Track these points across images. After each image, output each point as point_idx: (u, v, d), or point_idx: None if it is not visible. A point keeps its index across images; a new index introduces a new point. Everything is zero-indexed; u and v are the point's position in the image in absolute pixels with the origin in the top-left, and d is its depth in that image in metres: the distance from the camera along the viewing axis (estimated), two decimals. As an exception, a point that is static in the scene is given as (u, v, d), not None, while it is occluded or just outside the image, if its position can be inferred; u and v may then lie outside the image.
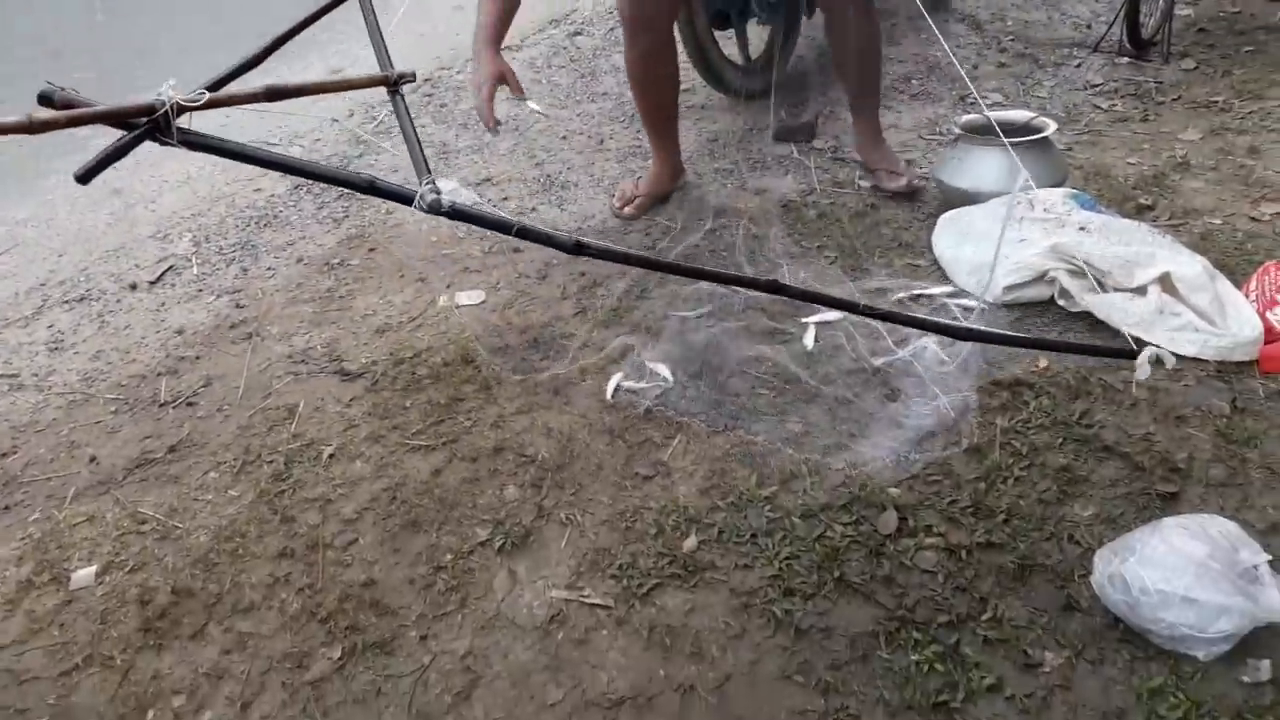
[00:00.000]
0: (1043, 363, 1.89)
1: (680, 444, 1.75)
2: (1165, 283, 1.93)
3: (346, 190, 2.83)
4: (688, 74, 3.29)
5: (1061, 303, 2.01)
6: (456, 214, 0.99)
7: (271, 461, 1.80)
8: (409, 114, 1.18)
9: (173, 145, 0.93)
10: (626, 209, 2.59)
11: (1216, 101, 3.01)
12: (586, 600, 1.46)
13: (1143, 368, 1.30)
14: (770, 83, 3.27)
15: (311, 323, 2.22)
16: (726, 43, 3.16)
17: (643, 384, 1.88)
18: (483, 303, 2.25)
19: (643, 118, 2.61)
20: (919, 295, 2.11)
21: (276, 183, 2.92)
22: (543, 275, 2.34)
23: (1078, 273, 2.00)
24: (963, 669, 1.34)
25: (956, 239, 2.21)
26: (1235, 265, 2.12)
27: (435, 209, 0.97)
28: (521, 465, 1.72)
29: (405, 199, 0.99)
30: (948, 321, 1.39)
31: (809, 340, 1.99)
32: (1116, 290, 1.97)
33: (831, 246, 2.35)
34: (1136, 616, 1.35)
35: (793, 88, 3.26)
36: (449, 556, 1.56)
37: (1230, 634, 1.30)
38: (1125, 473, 1.63)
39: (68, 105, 0.86)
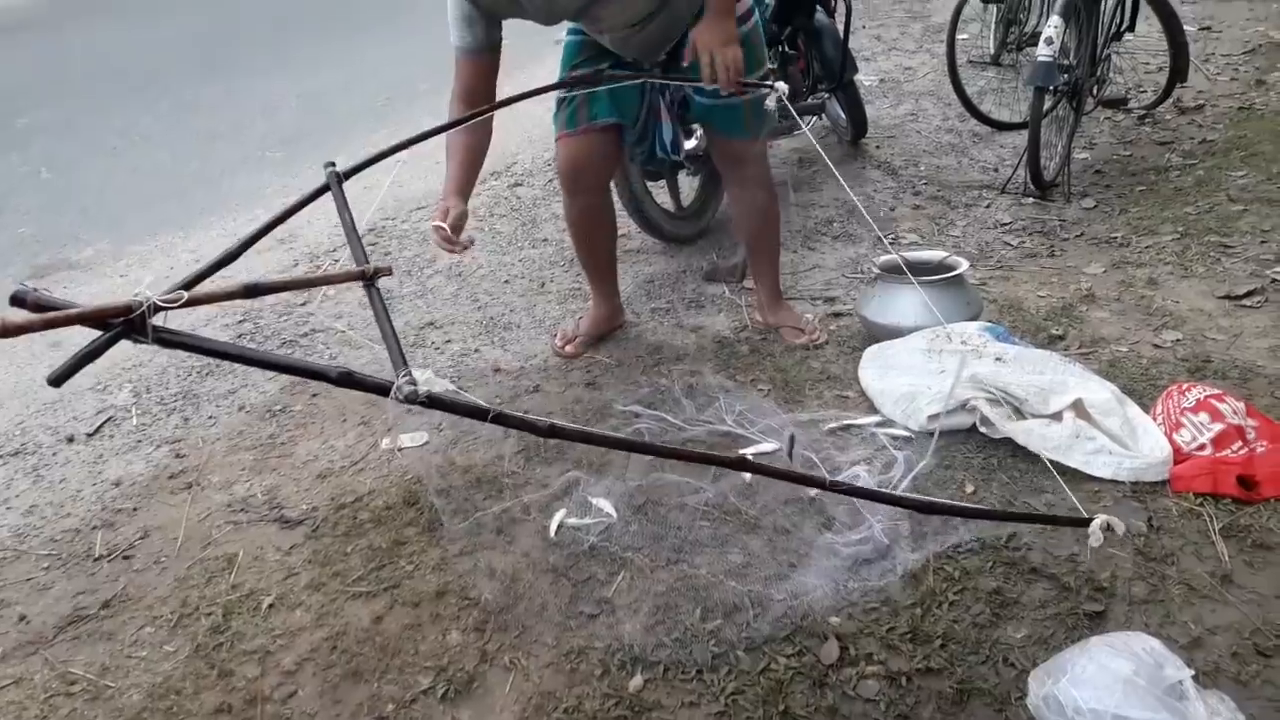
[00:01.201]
0: (969, 488, 1.97)
1: (624, 580, 1.77)
2: (1079, 408, 2.06)
3: (290, 338, 2.89)
4: (624, 220, 3.47)
5: (983, 430, 2.11)
6: (433, 403, 1.02)
7: (209, 614, 1.77)
8: (385, 308, 1.21)
9: (147, 344, 0.96)
10: (568, 348, 2.68)
11: (1116, 237, 3.25)
12: (532, 747, 1.45)
13: (1095, 535, 1.39)
14: (701, 228, 3.46)
15: (252, 470, 2.23)
16: (659, 192, 3.34)
17: (586, 520, 1.91)
18: (425, 444, 2.28)
19: (583, 265, 2.73)
20: (849, 425, 2.20)
21: (218, 332, 2.95)
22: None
23: (996, 401, 2.12)
24: (909, 799, 1.35)
25: (880, 371, 2.33)
26: (1142, 390, 2.26)
27: (412, 399, 1.01)
28: (464, 608, 1.72)
29: (382, 390, 1.02)
30: (915, 497, 1.51)
31: (746, 474, 2.05)
32: (1034, 417, 2.08)
33: (764, 380, 2.45)
34: (1072, 737, 1.38)
35: (723, 231, 3.44)
36: (391, 707, 1.54)
37: (1161, 753, 1.34)
38: (1053, 593, 1.69)
39: (40, 306, 0.90)
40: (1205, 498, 1.87)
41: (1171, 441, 1.99)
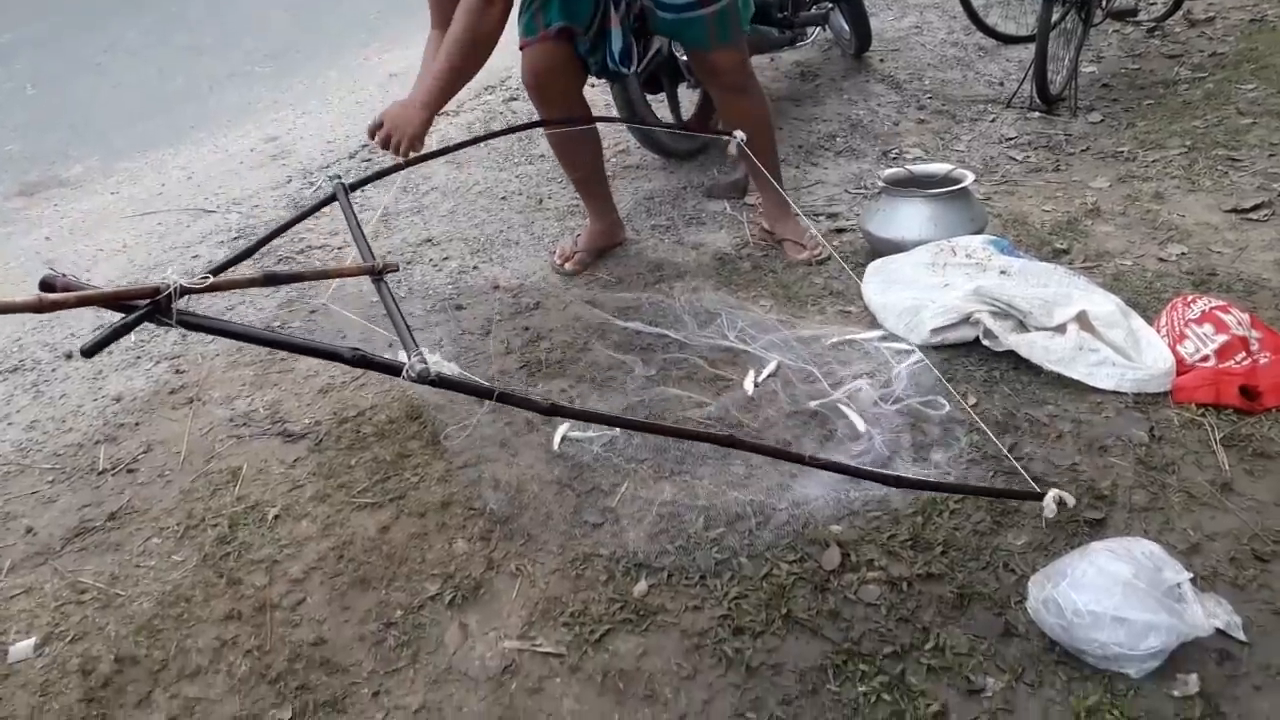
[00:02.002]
0: (971, 400, 1.97)
1: (628, 490, 1.78)
2: (1083, 321, 2.04)
3: (285, 255, 2.85)
4: (624, 136, 3.40)
5: (986, 343, 2.10)
6: (441, 382, 1.11)
7: (215, 525, 1.78)
8: (394, 300, 1.29)
9: (171, 326, 1.04)
10: (567, 265, 2.65)
11: (1122, 152, 3.19)
12: (539, 649, 1.47)
13: (1049, 507, 1.43)
14: (702, 143, 3.39)
15: (253, 385, 2.22)
16: (659, 106, 3.27)
17: (589, 433, 1.91)
18: (427, 360, 2.27)
19: (571, 181, 2.68)
20: (851, 340, 2.19)
21: (214, 249, 2.91)
22: (485, 331, 2.37)
23: (1000, 314, 2.10)
24: (909, 698, 1.37)
25: (884, 285, 2.31)
26: (1146, 303, 2.24)
27: (423, 378, 1.08)
28: (470, 518, 1.73)
29: (394, 370, 1.10)
30: (882, 473, 1.59)
31: (749, 386, 2.04)
32: (1038, 329, 2.07)
33: (766, 295, 2.42)
34: (1071, 638, 1.40)
35: (724, 146, 3.37)
36: (399, 612, 1.55)
37: (1159, 650, 1.36)
38: (1055, 503, 1.69)
39: (68, 289, 0.98)
40: (1207, 408, 1.87)
41: (1175, 353, 1.98)
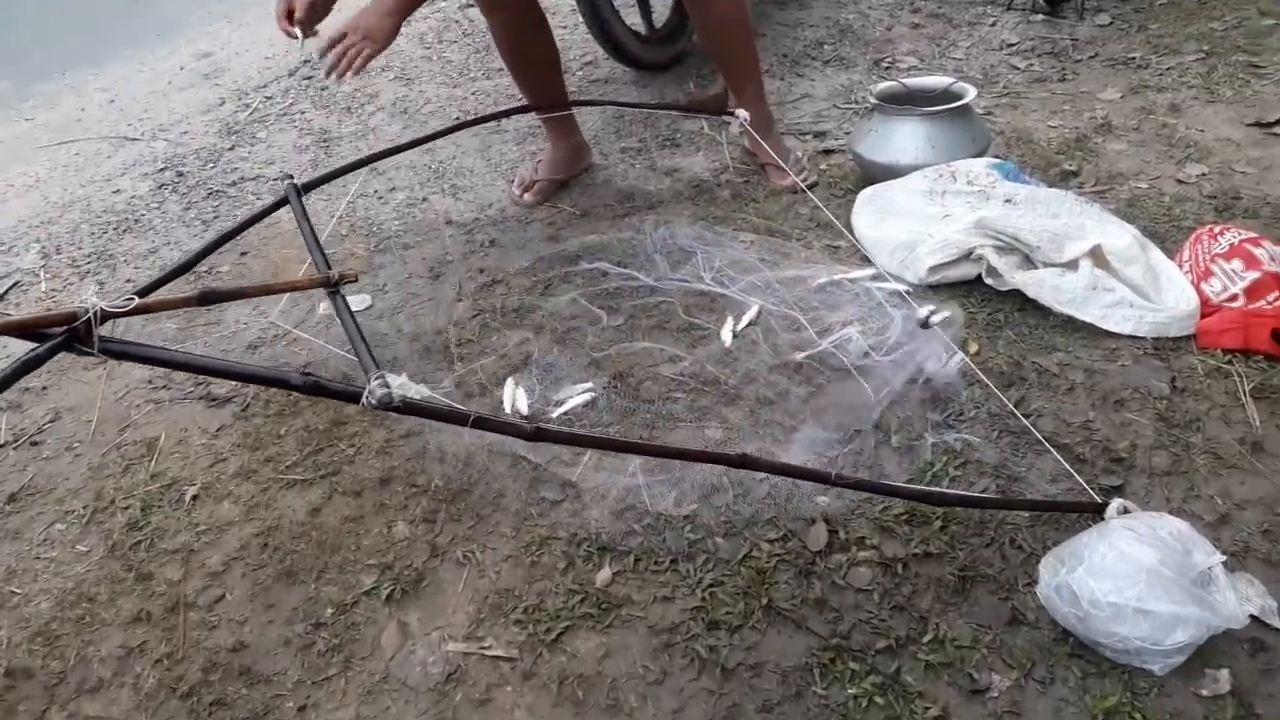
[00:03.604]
0: (973, 348, 1.80)
1: (591, 461, 1.61)
2: (1096, 256, 1.85)
3: (217, 188, 2.61)
4: (591, 46, 3.13)
5: (990, 281, 1.92)
6: (408, 409, 1.03)
7: (127, 508, 1.60)
8: (351, 314, 1.23)
9: (92, 355, 0.94)
10: (526, 195, 2.42)
11: (1134, 58, 2.96)
12: (488, 652, 1.32)
13: (1112, 518, 1.33)
14: (676, 53, 3.13)
15: (175, 340, 2.01)
16: (628, 12, 2.99)
17: (560, 407, 1.71)
18: (368, 308, 2.07)
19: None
20: (840, 280, 1.99)
21: (137, 182, 2.66)
22: (435, 274, 2.16)
23: (1005, 248, 1.91)
24: (904, 700, 1.23)
25: (876, 217, 2.11)
26: (1165, 232, 2.06)
27: (385, 404, 1.00)
28: (412, 497, 1.56)
29: (353, 398, 1.02)
30: (916, 488, 1.43)
31: (727, 336, 1.86)
32: (1046, 266, 1.88)
33: (747, 228, 2.22)
34: (1087, 629, 1.26)
35: (702, 57, 3.11)
36: (330, 611, 1.39)
37: (1186, 644, 1.22)
38: (1065, 468, 1.53)
39: None
40: (1235, 355, 1.70)
41: (1199, 291, 1.80)
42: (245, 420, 1.76)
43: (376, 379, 1.06)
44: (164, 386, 1.88)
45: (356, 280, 1.32)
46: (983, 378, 1.63)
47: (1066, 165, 2.37)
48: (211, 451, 1.70)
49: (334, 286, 1.29)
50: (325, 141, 2.80)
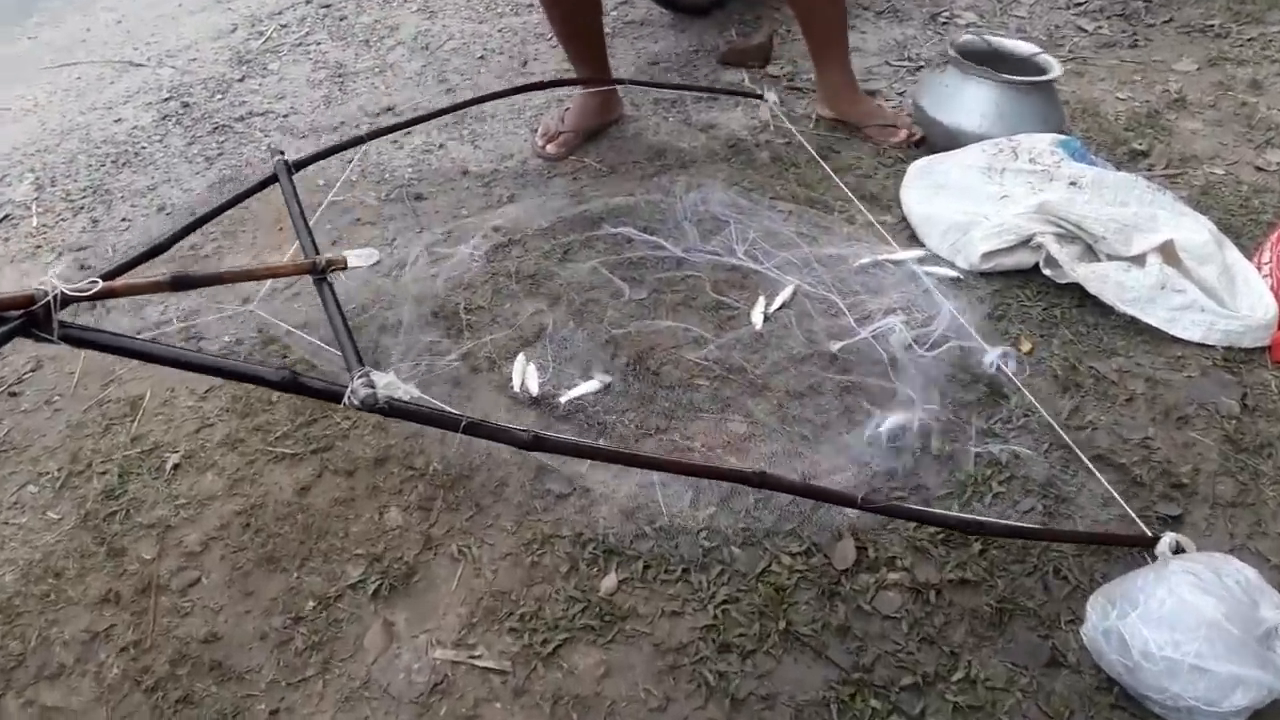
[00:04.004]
0: (1026, 346, 1.66)
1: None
2: (1167, 252, 1.70)
3: (223, 122, 2.48)
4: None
5: (1048, 273, 1.77)
6: (394, 411, 0.95)
7: (104, 473, 1.51)
8: (338, 303, 1.15)
9: (52, 342, 0.88)
10: (550, 147, 2.28)
11: (1212, 25, 2.75)
12: (478, 663, 1.22)
13: (1164, 556, 1.24)
14: (718, -3, 2.94)
15: (156, 326, 1.90)
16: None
17: (573, 391, 1.60)
18: (376, 264, 1.94)
19: (560, 41, 2.27)
20: (885, 260, 1.85)
21: (140, 112, 2.54)
22: (449, 231, 2.03)
23: (1066, 237, 1.76)
24: (929, 746, 1.13)
25: (929, 192, 1.95)
26: (1241, 226, 1.90)
27: (369, 406, 0.94)
28: (408, 480, 1.46)
29: (334, 397, 0.95)
30: (962, 516, 1.32)
31: (758, 318, 1.73)
32: (1111, 259, 1.73)
33: (786, 196, 2.07)
34: (1135, 681, 1.15)
35: (744, 2, 2.93)
36: (311, 604, 1.30)
37: (1245, 708, 1.11)
38: (1121, 487, 1.41)
39: None
40: (1315, 373, 1.56)
41: (1278, 298, 1.65)
42: (236, 383, 1.66)
43: (360, 377, 0.97)
44: (153, 339, 1.78)
45: (345, 267, 1.21)
46: (1031, 399, 1.50)
47: (1136, 144, 2.20)
48: (198, 415, 1.60)
49: (321, 274, 1.19)
50: (340, 76, 2.66)
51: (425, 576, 1.33)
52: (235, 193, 1.52)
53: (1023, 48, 2.17)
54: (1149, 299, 1.67)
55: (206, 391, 1.66)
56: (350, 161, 2.30)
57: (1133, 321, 1.68)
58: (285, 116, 2.47)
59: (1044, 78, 2.03)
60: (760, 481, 1.16)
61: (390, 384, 0.99)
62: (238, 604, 1.31)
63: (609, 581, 1.31)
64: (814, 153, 2.17)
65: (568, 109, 2.37)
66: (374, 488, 1.45)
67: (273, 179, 1.49)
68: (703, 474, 1.28)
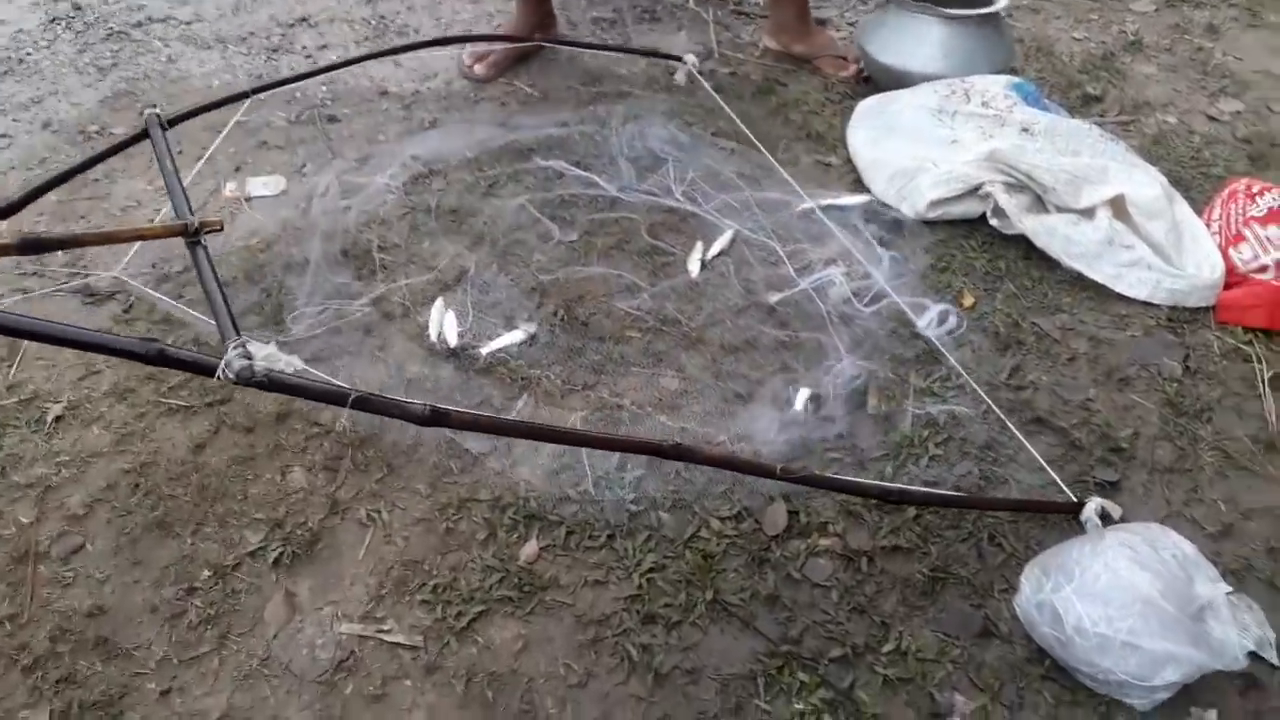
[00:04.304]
0: (968, 300, 1.62)
1: (526, 407, 1.42)
2: (1117, 206, 1.66)
3: (119, 28, 2.28)
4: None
5: (994, 223, 1.72)
6: (274, 385, 0.90)
7: (-23, 424, 1.39)
8: (213, 267, 1.08)
9: None
10: (478, 67, 2.14)
11: (1171, -37, 2.69)
12: (387, 637, 1.16)
13: (1091, 521, 1.24)
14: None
15: (54, 216, 1.75)
16: None
17: (496, 342, 1.51)
18: (283, 193, 1.81)
19: None
20: (828, 206, 1.78)
21: (25, 13, 2.31)
22: (364, 157, 1.90)
23: (1016, 186, 1.71)
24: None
25: (876, 134, 1.88)
26: (1191, 180, 1.87)
27: (245, 379, 0.88)
28: (313, 438, 1.37)
29: (207, 370, 0.89)
30: (881, 484, 1.28)
31: (694, 266, 1.65)
32: (1060, 211, 1.69)
33: (729, 133, 1.97)
34: (1067, 655, 1.14)
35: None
36: (206, 573, 1.21)
37: (1175, 683, 1.10)
38: (1059, 451, 1.39)
39: None
40: (1256, 335, 1.55)
41: (1226, 257, 1.63)
42: (127, 324, 1.53)
43: (235, 347, 0.90)
44: (35, 273, 1.63)
45: (221, 230, 1.12)
46: (961, 370, 1.46)
47: (1089, 88, 2.14)
48: (83, 361, 1.47)
49: (194, 237, 1.10)
50: (248, -17, 2.45)
51: (330, 544, 1.25)
52: (107, 146, 1.38)
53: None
54: (1096, 254, 1.63)
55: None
56: (258, 77, 2.13)
57: (1079, 277, 1.65)
58: (188, 24, 2.28)
59: (989, 9, 1.94)
60: (676, 454, 1.11)
61: (270, 355, 0.93)
62: (125, 573, 1.21)
63: (529, 549, 1.25)
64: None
65: (499, 25, 2.22)
66: (276, 446, 1.35)
67: (144, 135, 1.35)
68: (616, 447, 1.21)
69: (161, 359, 0.89)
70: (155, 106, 1.38)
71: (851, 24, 2.43)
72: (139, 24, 2.30)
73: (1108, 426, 1.42)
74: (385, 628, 1.17)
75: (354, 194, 1.79)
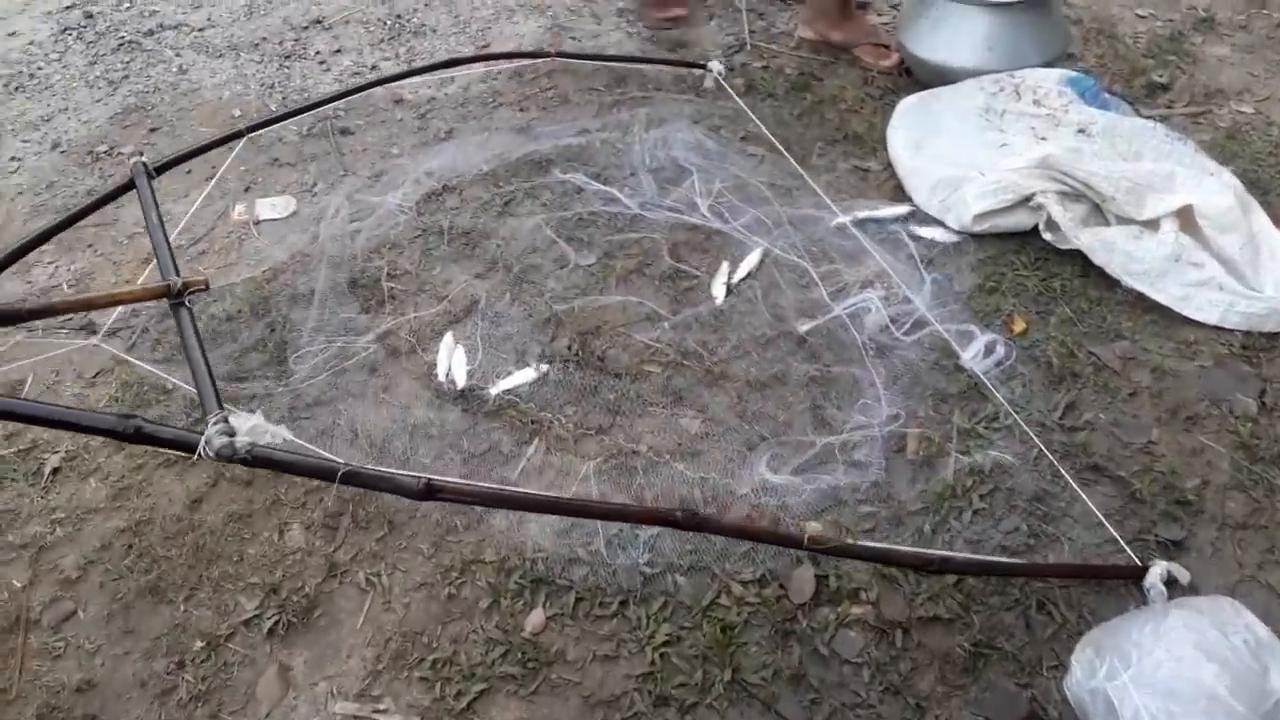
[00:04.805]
0: (1019, 325, 1.49)
1: (536, 454, 1.34)
2: (1184, 217, 1.52)
3: (130, 37, 2.22)
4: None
5: (1048, 237, 1.59)
6: (258, 461, 0.85)
7: (-27, 477, 1.35)
8: (197, 333, 1.02)
9: None
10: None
11: (1250, -74, 2.47)
12: (382, 719, 1.09)
13: (1155, 587, 1.12)
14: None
15: (61, 245, 1.70)
16: None
17: (504, 383, 1.42)
18: (293, 215, 1.75)
19: None
20: (864, 219, 1.65)
21: (38, 24, 2.27)
22: (377, 174, 1.82)
23: (1071, 195, 1.57)
24: (887, 821, 1.02)
25: (918, 137, 1.74)
26: (1269, 180, 1.71)
27: (225, 456, 0.83)
28: (312, 492, 1.30)
29: (187, 447, 0.84)
30: (922, 552, 1.15)
31: (719, 290, 1.54)
32: (1121, 221, 1.55)
33: (759, 138, 1.85)
34: (1122, 748, 1.02)
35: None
36: (199, 644, 1.16)
37: (1244, 787, 0.99)
38: (1118, 503, 1.27)
39: None
40: (1343, 366, 1.40)
41: (1309, 274, 1.47)
42: (128, 366, 1.48)
43: (216, 423, 0.85)
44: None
45: (207, 289, 1.05)
46: (1012, 412, 1.33)
47: (1155, 75, 1.97)
48: (84, 406, 1.43)
49: (177, 298, 1.04)
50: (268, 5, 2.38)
51: (328, 611, 1.19)
52: (95, 198, 1.31)
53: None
54: (1160, 272, 1.49)
55: (96, 375, 1.49)
56: (270, 86, 2.06)
57: (1141, 298, 1.51)
58: (200, 30, 2.21)
59: None
60: (690, 524, 1.02)
61: (255, 428, 0.87)
62: (116, 643, 1.17)
63: (535, 618, 1.17)
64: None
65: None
66: (275, 501, 1.29)
67: (129, 186, 1.28)
68: (622, 518, 1.12)
69: (140, 437, 0.84)
70: (141, 154, 1.32)
71: (895, 5, 2.28)
72: (150, 32, 2.24)
73: (1172, 475, 1.29)
74: (381, 707, 1.10)
75: (365, 215, 1.71)
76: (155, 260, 1.15)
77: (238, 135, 1.47)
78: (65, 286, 1.63)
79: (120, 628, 1.18)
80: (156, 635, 1.17)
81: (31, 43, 2.21)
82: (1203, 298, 1.47)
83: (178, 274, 1.10)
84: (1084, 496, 1.25)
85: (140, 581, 1.22)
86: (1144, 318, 1.49)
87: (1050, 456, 1.30)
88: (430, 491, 0.89)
